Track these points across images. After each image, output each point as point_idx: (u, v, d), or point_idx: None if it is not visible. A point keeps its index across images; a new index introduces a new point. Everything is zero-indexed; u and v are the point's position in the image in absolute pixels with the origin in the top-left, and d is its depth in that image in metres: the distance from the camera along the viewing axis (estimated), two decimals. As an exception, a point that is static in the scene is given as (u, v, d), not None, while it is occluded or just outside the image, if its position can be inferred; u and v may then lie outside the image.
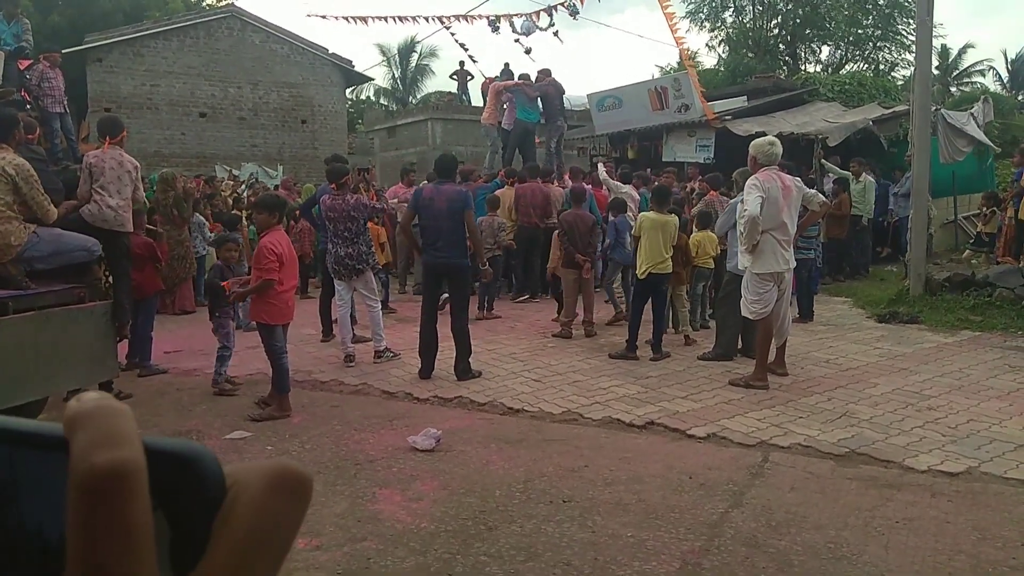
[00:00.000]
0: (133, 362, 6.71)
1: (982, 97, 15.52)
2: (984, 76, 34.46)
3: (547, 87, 12.89)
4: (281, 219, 5.81)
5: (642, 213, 7.58)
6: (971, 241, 12.24)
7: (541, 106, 12.94)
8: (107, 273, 5.64)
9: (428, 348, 6.58)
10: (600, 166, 10.05)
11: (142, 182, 6.08)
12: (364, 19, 16.73)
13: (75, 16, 22.84)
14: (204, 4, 27.73)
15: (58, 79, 9.85)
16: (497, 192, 10.27)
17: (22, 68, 10.16)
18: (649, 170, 12.49)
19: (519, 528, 3.69)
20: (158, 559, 0.30)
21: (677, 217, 7.28)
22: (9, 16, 10.26)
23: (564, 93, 13.40)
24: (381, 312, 7.29)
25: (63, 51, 11.20)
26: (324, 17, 16.25)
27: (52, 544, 0.31)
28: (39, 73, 9.69)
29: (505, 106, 13.30)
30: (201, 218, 10.32)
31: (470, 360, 6.52)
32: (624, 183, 9.64)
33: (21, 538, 0.32)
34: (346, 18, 16.96)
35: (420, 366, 6.57)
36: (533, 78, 13.31)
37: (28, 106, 9.65)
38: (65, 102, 9.98)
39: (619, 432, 5.16)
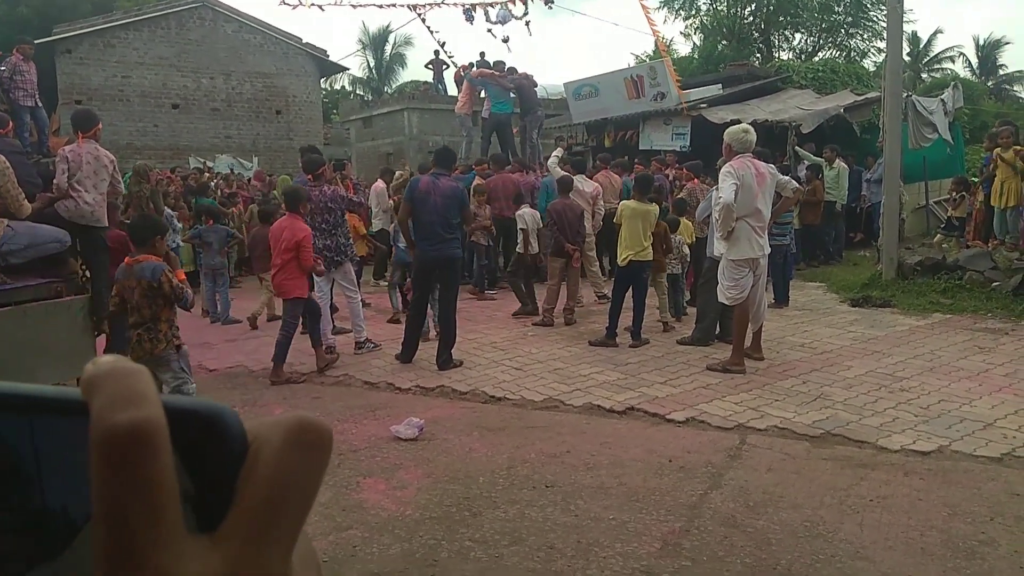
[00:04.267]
0: (111, 357, 6.65)
1: (952, 83, 15.75)
2: (954, 62, 35.01)
3: (520, 79, 12.97)
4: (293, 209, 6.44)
5: (623, 202, 7.61)
6: (942, 226, 12.45)
7: (516, 98, 13.03)
8: (84, 267, 5.59)
9: (411, 342, 6.63)
10: (555, 153, 9.89)
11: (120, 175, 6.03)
12: (334, 5, 16.57)
13: (42, 6, 22.44)
14: (174, -7, 27.31)
15: (31, 72, 9.66)
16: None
17: (-9, 60, 9.98)
18: (628, 158, 12.56)
19: (503, 513, 3.74)
20: (183, 518, 0.30)
21: (658, 205, 7.32)
22: (-26, 6, 10.06)
23: (536, 85, 13.48)
24: (361, 303, 7.30)
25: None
26: (296, 6, 15.97)
27: (78, 517, 0.31)
28: (11, 66, 9.51)
29: (482, 94, 13.36)
30: (170, 211, 10.23)
31: (452, 351, 6.56)
32: (577, 171, 9.25)
33: (46, 512, 0.31)
34: (319, 6, 16.80)
35: (400, 351, 6.65)
36: (508, 67, 13.35)
37: (-2, 99, 9.49)
38: (37, 95, 9.80)
39: (600, 418, 5.23)
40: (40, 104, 10.07)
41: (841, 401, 5.35)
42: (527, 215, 8.97)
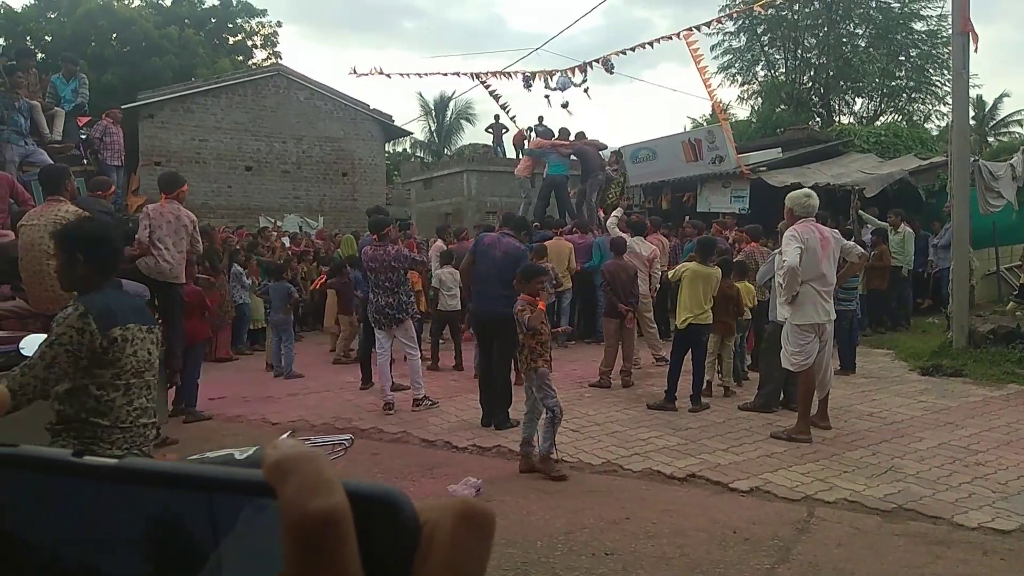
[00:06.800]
0: (179, 408, 6.86)
1: (1021, 148, 15.39)
2: (1022, 126, 34.17)
3: (583, 146, 13.31)
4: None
5: (683, 263, 7.59)
6: (1015, 293, 12.02)
7: (578, 161, 13.37)
8: (159, 320, 5.82)
9: (486, 404, 6.65)
10: (614, 213, 10.08)
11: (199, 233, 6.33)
12: (404, 75, 17.25)
13: (127, 75, 23.94)
14: (251, 63, 28.86)
15: (119, 134, 10.35)
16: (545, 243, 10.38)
17: (80, 124, 10.69)
18: (688, 218, 12.66)
19: (562, 580, 3.68)
20: None
21: (721, 269, 7.26)
22: (68, 74, 10.77)
23: (603, 149, 13.79)
24: (420, 360, 7.38)
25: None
26: (366, 74, 16.68)
27: None
28: (103, 128, 10.20)
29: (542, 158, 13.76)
30: (239, 268, 10.63)
31: (508, 410, 6.55)
32: (636, 233, 9.22)
33: None
34: (387, 74, 17.47)
35: (481, 414, 6.67)
36: (573, 132, 13.73)
37: (84, 160, 10.12)
38: (123, 156, 10.45)
39: (660, 484, 5.13)
40: (123, 163, 10.72)
41: (913, 474, 5.14)
42: (444, 274, 9.21)
